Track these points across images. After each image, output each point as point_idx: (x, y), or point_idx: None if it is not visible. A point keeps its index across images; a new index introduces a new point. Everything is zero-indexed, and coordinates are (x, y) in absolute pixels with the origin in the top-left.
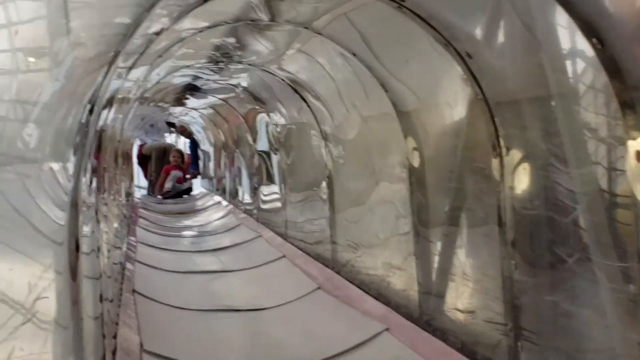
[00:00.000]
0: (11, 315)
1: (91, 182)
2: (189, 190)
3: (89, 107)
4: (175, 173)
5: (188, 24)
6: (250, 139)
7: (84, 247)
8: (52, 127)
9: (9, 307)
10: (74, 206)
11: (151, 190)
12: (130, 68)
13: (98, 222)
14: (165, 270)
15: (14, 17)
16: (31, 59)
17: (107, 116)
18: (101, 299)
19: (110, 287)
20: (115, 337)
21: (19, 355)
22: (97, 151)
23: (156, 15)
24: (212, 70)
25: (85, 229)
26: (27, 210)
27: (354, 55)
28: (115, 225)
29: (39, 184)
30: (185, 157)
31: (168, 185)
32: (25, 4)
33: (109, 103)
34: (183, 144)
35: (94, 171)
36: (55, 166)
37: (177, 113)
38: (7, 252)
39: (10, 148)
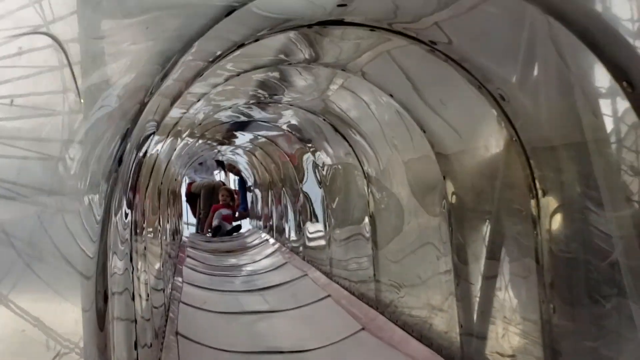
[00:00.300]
0: (29, 351)
1: (126, 217)
2: (237, 228)
3: (121, 142)
4: (222, 211)
5: (229, 66)
6: (296, 177)
7: (115, 286)
8: (85, 164)
9: (30, 343)
10: (102, 243)
11: (200, 228)
12: (168, 107)
13: (131, 260)
14: (211, 312)
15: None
16: (65, 101)
17: (145, 153)
18: (136, 345)
19: (150, 330)
20: None
21: None
22: (134, 186)
23: (191, 53)
24: (258, 109)
25: (117, 266)
26: (58, 241)
27: (391, 96)
28: (158, 265)
29: (70, 219)
30: (235, 196)
31: (215, 222)
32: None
33: (147, 139)
34: (232, 181)
35: (130, 206)
36: (86, 198)
37: (225, 151)
38: (33, 283)
39: (53, 185)
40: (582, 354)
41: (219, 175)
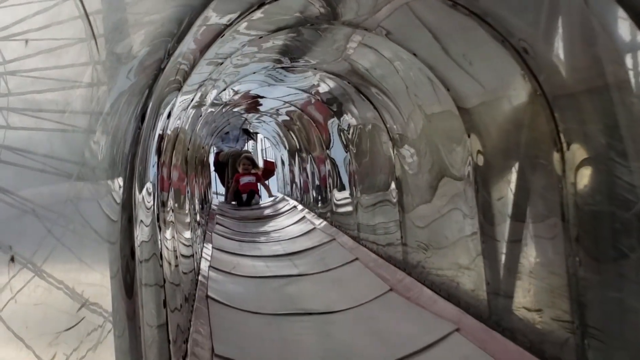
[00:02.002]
0: (57, 318)
1: (150, 186)
2: (251, 195)
3: (143, 111)
4: (243, 179)
5: (247, 29)
6: (322, 143)
7: (142, 253)
8: (110, 134)
9: (56, 311)
10: (127, 210)
11: (226, 197)
12: (188, 73)
13: (159, 228)
14: (240, 276)
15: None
16: (91, 72)
17: (168, 122)
18: (165, 305)
19: (179, 294)
20: (186, 342)
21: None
22: (159, 155)
23: (208, 17)
24: (281, 74)
25: (144, 233)
26: (85, 212)
27: (415, 55)
28: (186, 232)
29: (97, 188)
30: (260, 162)
31: (244, 196)
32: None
33: (169, 107)
34: (262, 150)
35: (154, 176)
36: (112, 169)
37: (251, 119)
38: (62, 253)
39: (79, 157)
40: (607, 305)
41: (246, 144)
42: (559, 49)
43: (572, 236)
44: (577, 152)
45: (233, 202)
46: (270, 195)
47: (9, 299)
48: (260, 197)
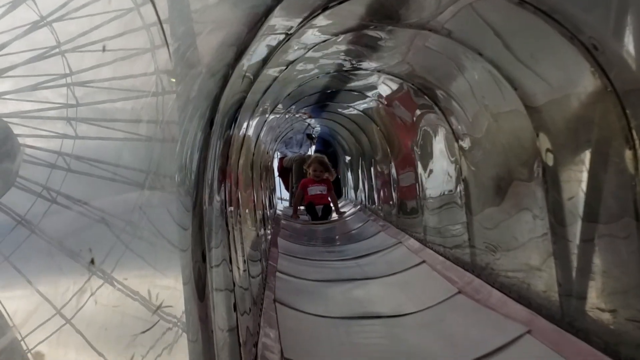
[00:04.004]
0: (133, 322)
1: (219, 192)
2: (327, 210)
3: (210, 118)
4: (311, 189)
5: (311, 34)
6: (387, 147)
7: (212, 258)
8: (179, 142)
9: (133, 314)
10: (198, 216)
11: (291, 203)
12: (252, 80)
13: (228, 233)
14: (307, 280)
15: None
16: (158, 80)
17: (234, 129)
18: (235, 309)
19: (248, 298)
20: (256, 345)
21: None
22: (225, 162)
23: (273, 23)
24: (344, 78)
25: (214, 239)
26: (156, 221)
27: (480, 54)
28: (253, 237)
29: (166, 196)
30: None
31: (318, 208)
32: (145, 33)
33: (235, 113)
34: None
35: (222, 182)
36: (180, 175)
37: (315, 124)
38: (136, 260)
39: (148, 165)
40: None
41: (310, 149)
42: (630, 44)
43: None
44: None
45: (301, 215)
46: (339, 212)
47: (88, 302)
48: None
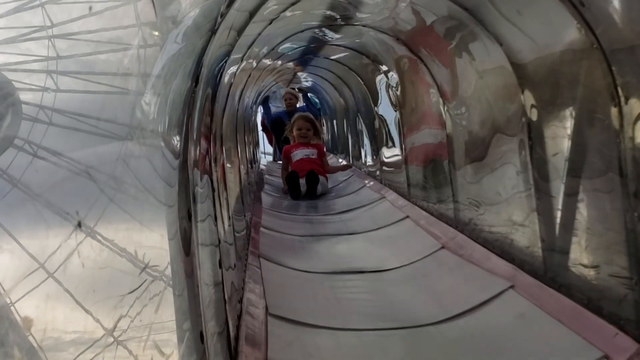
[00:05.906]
0: (121, 281)
1: (203, 147)
2: (314, 181)
3: (195, 73)
4: (297, 153)
5: None
6: (370, 101)
7: (198, 214)
8: (164, 96)
9: (121, 273)
10: (183, 171)
11: (276, 157)
12: (237, 35)
13: (214, 189)
14: (290, 235)
15: None
16: (143, 34)
17: (219, 84)
18: (220, 265)
19: (233, 254)
20: (240, 301)
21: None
22: (210, 117)
23: None
24: (328, 33)
25: (199, 194)
26: (139, 173)
27: (466, 10)
28: (237, 192)
29: (151, 150)
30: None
31: (302, 181)
32: None
33: (220, 68)
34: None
35: (207, 136)
36: (165, 129)
37: (299, 78)
38: (121, 216)
39: (131, 119)
40: None
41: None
42: (616, 0)
43: (631, 191)
44: (636, 106)
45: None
46: (344, 169)
47: (75, 263)
48: (327, 180)
